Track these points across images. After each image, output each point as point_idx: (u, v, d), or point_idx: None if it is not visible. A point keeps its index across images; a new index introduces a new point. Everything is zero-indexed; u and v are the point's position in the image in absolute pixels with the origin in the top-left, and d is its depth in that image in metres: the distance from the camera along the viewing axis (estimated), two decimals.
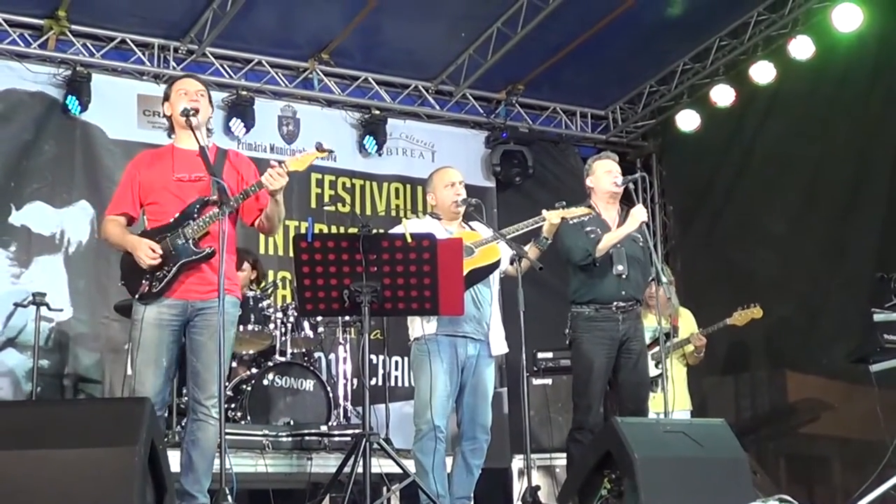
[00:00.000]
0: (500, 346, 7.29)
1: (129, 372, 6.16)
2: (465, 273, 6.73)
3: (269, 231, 6.57)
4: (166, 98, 6.51)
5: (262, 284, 9.78)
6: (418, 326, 7.06)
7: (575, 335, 7.66)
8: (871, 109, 10.10)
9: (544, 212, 7.25)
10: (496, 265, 7.18)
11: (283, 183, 6.22)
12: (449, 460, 7.20)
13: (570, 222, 7.43)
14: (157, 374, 6.11)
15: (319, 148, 6.48)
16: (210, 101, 6.55)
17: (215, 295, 6.10)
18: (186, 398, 7.07)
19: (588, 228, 7.58)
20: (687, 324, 9.70)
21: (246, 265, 9.35)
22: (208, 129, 6.63)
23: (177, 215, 6.22)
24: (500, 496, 9.68)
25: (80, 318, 9.87)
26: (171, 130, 6.54)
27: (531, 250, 7.20)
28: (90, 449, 4.82)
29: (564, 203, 7.44)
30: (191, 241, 6.17)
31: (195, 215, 6.20)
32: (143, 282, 6.13)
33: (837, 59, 10.36)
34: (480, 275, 7.05)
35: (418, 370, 7.04)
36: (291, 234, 10.57)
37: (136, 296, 6.14)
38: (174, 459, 6.00)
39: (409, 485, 6.54)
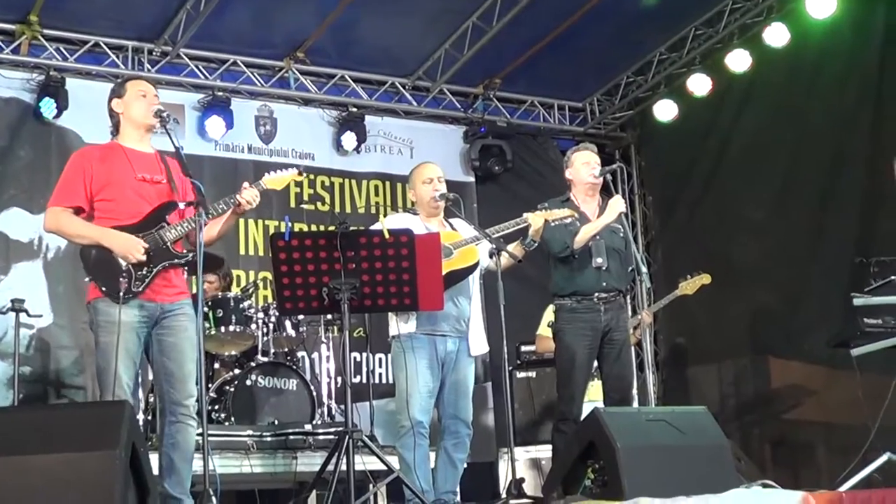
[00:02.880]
0: (479, 346, 7.31)
1: (105, 375, 6.03)
2: (442, 274, 6.72)
3: (210, 243, 6.50)
4: (118, 96, 6.39)
5: (243, 287, 9.80)
6: (395, 325, 7.06)
7: (557, 327, 7.69)
8: (846, 95, 10.13)
9: (527, 214, 7.26)
10: (474, 267, 7.19)
11: (257, 203, 6.36)
12: (433, 455, 7.21)
13: (552, 224, 7.41)
14: (133, 377, 6.10)
15: (300, 171, 6.63)
16: None
17: (181, 297, 6.26)
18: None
19: (567, 221, 7.57)
20: None
21: (213, 276, 9.37)
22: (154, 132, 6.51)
23: (146, 217, 6.17)
24: (486, 490, 9.70)
25: (60, 324, 9.83)
26: (115, 129, 6.43)
27: (516, 249, 7.21)
28: (71, 454, 4.79)
29: (546, 205, 7.46)
30: (170, 245, 6.17)
31: (166, 219, 6.19)
32: (122, 281, 6.01)
33: (812, 45, 10.38)
34: (458, 277, 7.05)
35: (398, 368, 7.04)
36: (271, 233, 10.57)
37: (120, 294, 5.99)
38: (157, 462, 6.00)
39: (394, 481, 6.54)
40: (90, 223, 6.17)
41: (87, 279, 6.19)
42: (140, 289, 6.08)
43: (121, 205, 6.17)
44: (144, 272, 6.10)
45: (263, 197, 6.49)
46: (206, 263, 6.41)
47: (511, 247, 7.19)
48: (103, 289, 6.07)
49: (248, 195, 6.29)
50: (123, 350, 5.99)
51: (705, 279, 9.59)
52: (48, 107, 10.01)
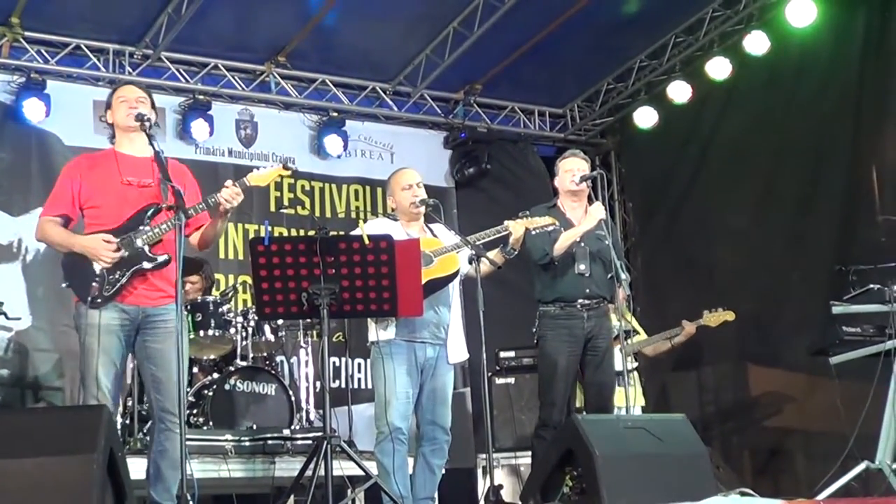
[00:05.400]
0: (458, 353, 7.28)
1: (85, 378, 6.04)
2: (422, 283, 6.72)
3: (204, 247, 6.57)
4: (108, 106, 6.48)
5: (222, 291, 9.77)
6: (374, 331, 7.05)
7: (540, 334, 7.72)
8: (827, 103, 10.16)
9: (507, 222, 7.24)
10: (454, 275, 7.17)
11: (239, 201, 6.25)
12: (411, 461, 7.20)
13: (533, 232, 7.41)
14: (113, 381, 6.08)
15: (286, 165, 6.53)
16: (153, 107, 6.50)
17: (165, 301, 6.22)
18: (147, 406, 7.09)
19: (551, 229, 7.57)
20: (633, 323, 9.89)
21: (195, 277, 9.34)
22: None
23: (127, 220, 6.17)
24: (464, 496, 9.69)
25: (38, 327, 9.79)
26: (112, 137, 6.50)
27: (496, 257, 7.19)
28: (48, 458, 4.79)
29: (528, 213, 7.44)
30: (146, 248, 6.14)
31: (147, 221, 6.17)
32: (94, 285, 6.05)
33: (792, 53, 10.42)
34: (438, 285, 7.04)
35: (377, 374, 7.03)
36: (250, 237, 10.56)
37: (88, 299, 6.04)
38: (136, 466, 5.98)
39: (373, 486, 6.54)
40: (66, 232, 6.23)
41: (63, 285, 6.26)
42: (110, 293, 6.09)
43: (106, 210, 6.21)
44: (117, 276, 6.11)
45: (244, 201, 6.44)
46: (187, 266, 6.40)
47: (491, 254, 7.16)
48: (78, 293, 6.13)
49: (227, 194, 6.20)
50: (102, 352, 6.00)
51: (728, 316, 9.69)
52: (30, 109, 9.97)
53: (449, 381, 7.23)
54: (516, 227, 7.21)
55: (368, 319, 7.03)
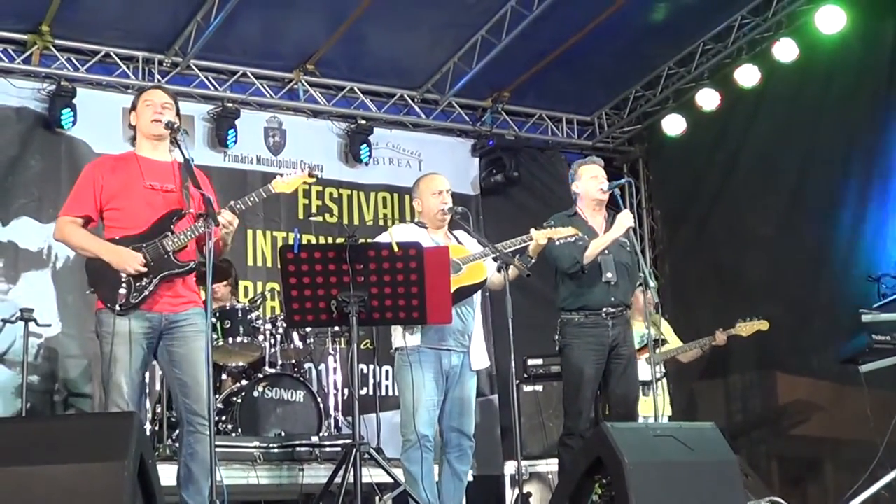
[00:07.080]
0: (480, 360, 7.26)
1: (107, 385, 6.05)
2: (452, 290, 6.71)
3: (217, 254, 6.50)
4: (133, 108, 6.43)
5: (251, 298, 9.79)
6: (400, 337, 7.04)
7: (564, 342, 7.63)
8: (856, 110, 10.12)
9: (532, 231, 7.22)
10: (483, 283, 7.17)
11: (233, 228, 6.23)
12: (437, 468, 7.19)
13: (557, 242, 7.39)
14: (136, 388, 6.08)
15: (311, 173, 6.54)
16: (178, 112, 6.46)
17: (187, 307, 6.21)
18: (176, 412, 7.09)
19: (573, 239, 7.54)
20: (665, 331, 9.86)
21: (223, 284, 9.34)
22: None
23: (151, 226, 6.15)
24: (493, 503, 9.67)
25: (68, 334, 9.84)
26: (133, 139, 6.48)
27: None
28: (79, 464, 4.78)
29: (552, 222, 7.43)
30: (171, 254, 6.15)
31: (171, 227, 6.17)
32: (121, 292, 6.01)
33: (822, 60, 10.39)
34: (467, 293, 7.04)
35: (403, 381, 7.02)
36: (279, 245, 10.58)
37: (117, 306, 6.00)
38: (165, 473, 5.98)
39: (400, 494, 6.54)
40: (92, 236, 6.22)
41: (88, 291, 6.25)
42: (138, 300, 6.06)
43: (128, 214, 6.18)
44: (144, 283, 6.07)
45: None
46: (214, 274, 6.38)
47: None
48: (104, 300, 6.10)
49: (225, 217, 6.13)
50: (125, 360, 6.00)
51: (762, 325, 9.68)
52: (67, 117, 10.06)
53: (472, 389, 7.22)
54: (539, 237, 7.20)
55: (392, 325, 7.03)
